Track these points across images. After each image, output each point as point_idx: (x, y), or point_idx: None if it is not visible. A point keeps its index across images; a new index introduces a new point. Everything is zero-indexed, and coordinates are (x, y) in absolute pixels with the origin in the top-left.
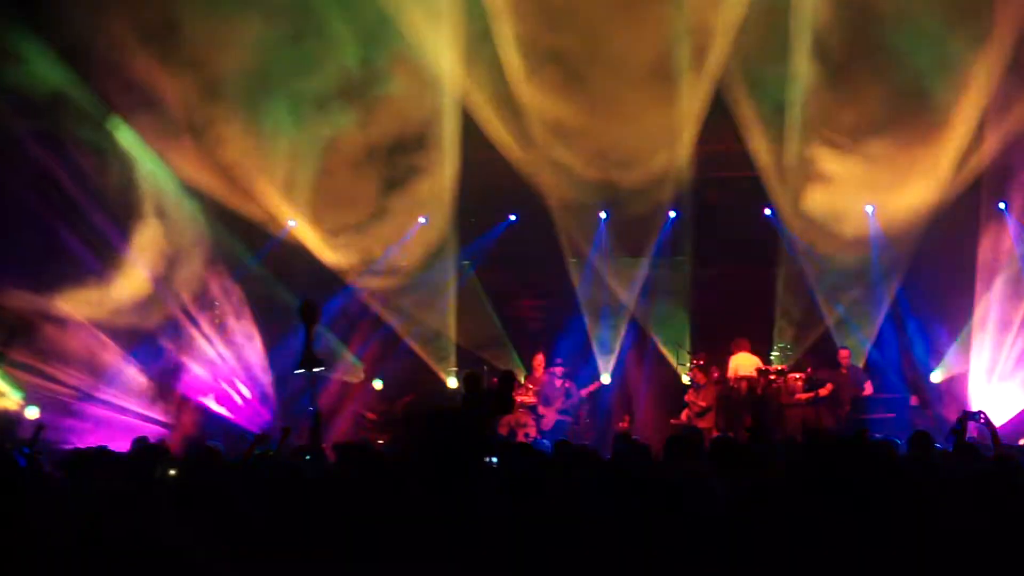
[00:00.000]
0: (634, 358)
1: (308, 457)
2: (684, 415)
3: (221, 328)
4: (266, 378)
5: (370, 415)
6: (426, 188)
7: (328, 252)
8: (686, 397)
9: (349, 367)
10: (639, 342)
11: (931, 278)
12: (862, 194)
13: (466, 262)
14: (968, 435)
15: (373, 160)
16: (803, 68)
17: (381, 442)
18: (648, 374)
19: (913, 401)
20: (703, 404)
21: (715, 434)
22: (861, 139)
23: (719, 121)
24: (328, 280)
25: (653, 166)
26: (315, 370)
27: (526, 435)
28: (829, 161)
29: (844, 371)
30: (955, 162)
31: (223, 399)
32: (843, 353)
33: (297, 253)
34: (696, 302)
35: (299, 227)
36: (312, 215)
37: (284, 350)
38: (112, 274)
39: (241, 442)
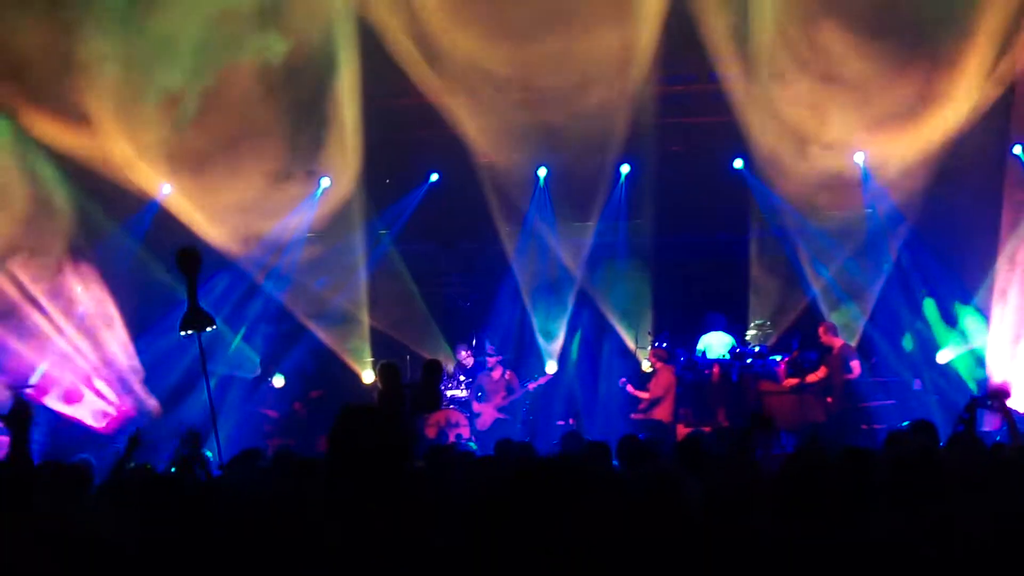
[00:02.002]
0: (585, 342)
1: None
2: (641, 406)
3: (74, 314)
4: (134, 370)
5: (270, 414)
6: (327, 141)
7: (208, 223)
8: (627, 388)
9: (243, 361)
10: (590, 323)
11: (942, 235)
12: (853, 133)
13: (382, 231)
14: (983, 424)
15: (260, 109)
16: None
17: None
18: (602, 361)
19: (917, 385)
20: (646, 396)
21: (681, 430)
22: (851, 62)
23: (680, 52)
24: (210, 257)
25: (601, 110)
26: (209, 330)
27: (458, 437)
28: (811, 92)
29: (835, 352)
30: (974, 86)
31: (74, 398)
32: (821, 329)
33: (173, 225)
34: (657, 273)
35: (174, 194)
36: (188, 178)
37: (157, 337)
38: None
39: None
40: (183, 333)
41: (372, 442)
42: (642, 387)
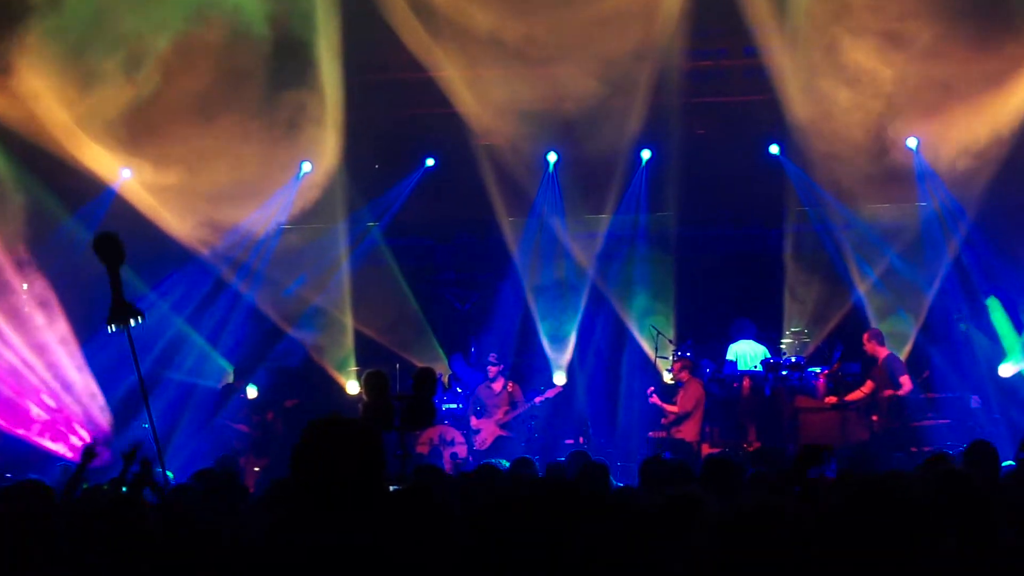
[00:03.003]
0: (598, 351)
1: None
2: (664, 421)
3: (18, 318)
4: (83, 380)
5: (240, 427)
6: (308, 121)
7: (170, 212)
8: (651, 400)
9: (209, 368)
10: (604, 329)
11: (1009, 233)
12: (909, 116)
13: (369, 224)
14: None
15: (230, 83)
16: None
17: (257, 468)
18: (617, 373)
19: (975, 402)
20: (675, 410)
21: (706, 451)
22: (913, 32)
23: (710, 22)
24: (174, 252)
25: (619, 88)
26: (133, 323)
27: (453, 456)
28: (862, 67)
29: (880, 363)
30: None
31: (18, 413)
32: (865, 337)
33: (133, 214)
34: (681, 273)
35: (134, 180)
36: (148, 160)
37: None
38: None
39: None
40: (110, 329)
41: (341, 461)
42: (666, 401)
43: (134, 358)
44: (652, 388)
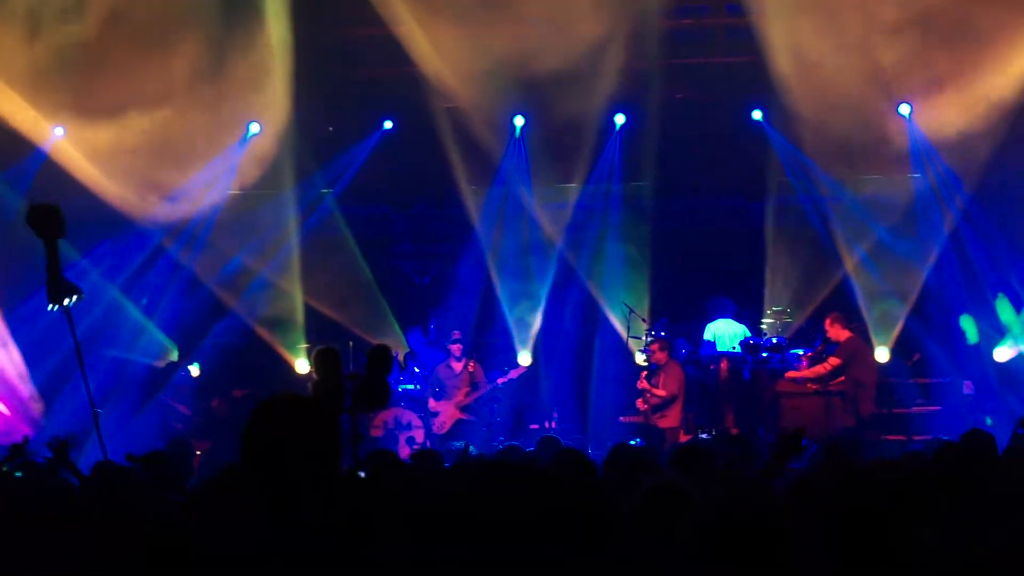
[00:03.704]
0: (566, 329)
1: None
2: (640, 404)
3: None
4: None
5: (182, 409)
6: (255, 78)
7: (106, 176)
8: (639, 384)
9: (147, 343)
10: (573, 305)
11: (1010, 207)
12: (904, 81)
13: (323, 190)
14: None
15: (172, 36)
16: None
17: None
18: (587, 352)
19: (967, 388)
20: (662, 394)
21: (681, 437)
22: None
23: None
24: (108, 217)
25: (592, 47)
26: (68, 302)
27: (410, 441)
28: (855, 28)
29: (843, 347)
30: None
31: None
32: (828, 321)
33: (64, 176)
34: (656, 246)
35: (66, 140)
36: (84, 121)
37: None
38: None
39: None
40: (50, 307)
41: (294, 444)
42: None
43: (73, 338)
44: (645, 372)
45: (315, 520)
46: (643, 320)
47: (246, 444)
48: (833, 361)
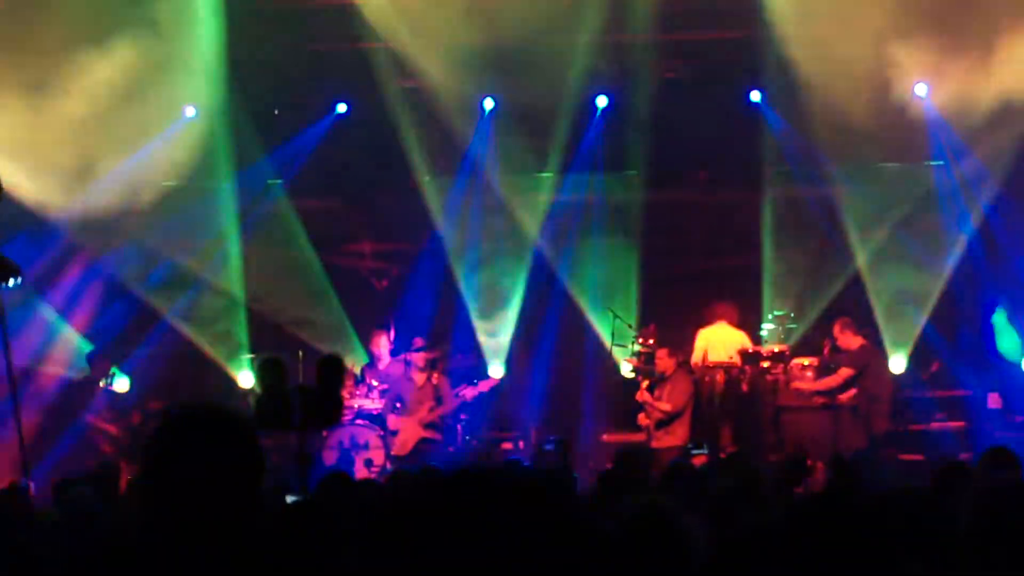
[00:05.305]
0: (543, 336)
1: None
2: (642, 420)
3: None
4: None
5: (109, 428)
6: (190, 55)
7: (18, 166)
8: (638, 396)
9: (70, 354)
10: (551, 310)
11: None
12: (922, 60)
13: (269, 181)
14: None
15: (93, 6)
16: None
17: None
18: (568, 363)
19: (993, 402)
20: (667, 408)
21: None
22: None
23: None
24: (21, 212)
25: (571, 21)
26: (9, 283)
27: (368, 462)
28: (864, 3)
29: (853, 356)
30: None
31: None
32: (837, 327)
33: None
34: (644, 243)
35: None
36: None
37: None
38: None
39: None
40: None
41: (205, 464)
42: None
43: (3, 332)
44: (648, 382)
45: (223, 551)
46: (629, 326)
47: (144, 464)
48: (845, 372)
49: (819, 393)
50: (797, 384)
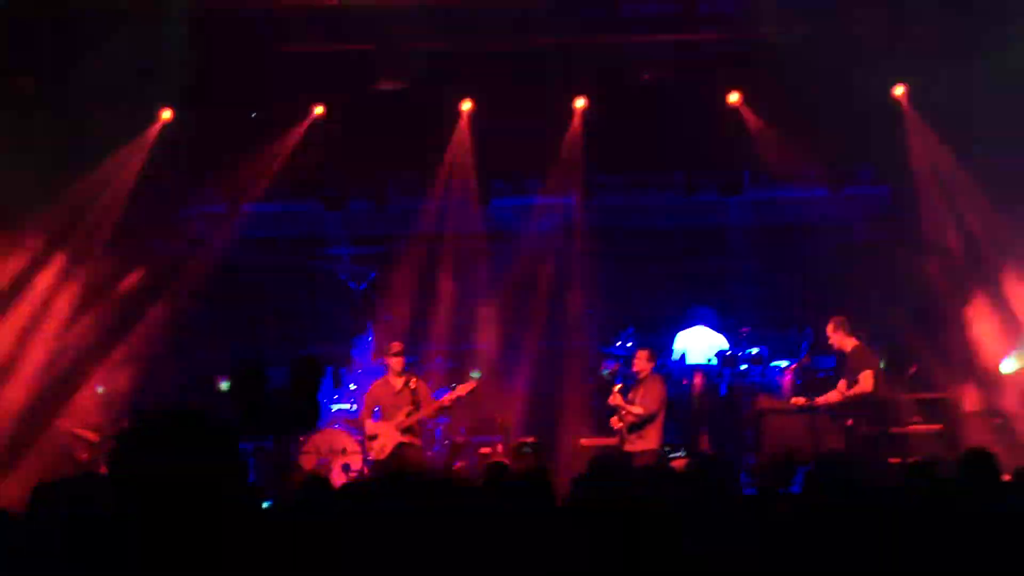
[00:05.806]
0: (519, 340)
1: None
2: (615, 423)
3: None
4: None
5: (88, 435)
6: (160, 55)
7: None
8: (611, 400)
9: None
10: (527, 313)
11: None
12: (898, 55)
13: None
14: None
15: None
16: None
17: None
18: (548, 366)
19: (970, 404)
20: (640, 412)
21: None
22: None
23: None
24: None
25: (547, 21)
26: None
27: (345, 468)
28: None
29: (849, 357)
30: None
31: None
32: (830, 326)
33: None
34: (621, 246)
35: None
36: None
37: None
38: None
39: None
40: None
41: (179, 469)
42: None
43: None
44: (620, 385)
45: (195, 555)
46: (610, 328)
47: (112, 470)
48: (866, 383)
49: (847, 407)
50: (796, 400)
